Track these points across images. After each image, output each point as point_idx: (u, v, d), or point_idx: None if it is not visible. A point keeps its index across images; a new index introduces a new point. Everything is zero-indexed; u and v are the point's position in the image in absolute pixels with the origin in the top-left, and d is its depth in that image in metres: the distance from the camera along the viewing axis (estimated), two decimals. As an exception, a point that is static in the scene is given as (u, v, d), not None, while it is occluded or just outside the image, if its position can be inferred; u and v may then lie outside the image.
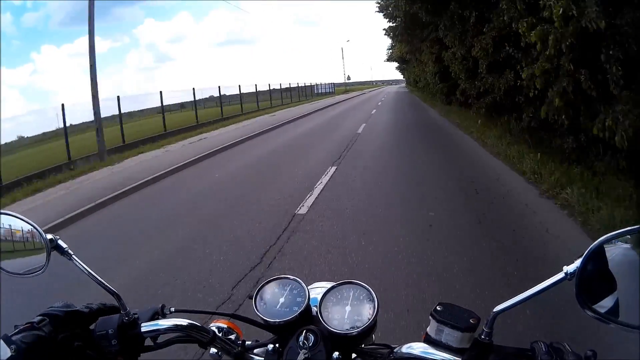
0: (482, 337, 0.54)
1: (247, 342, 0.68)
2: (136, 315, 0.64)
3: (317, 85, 45.28)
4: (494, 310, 0.53)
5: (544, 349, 0.51)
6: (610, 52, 3.88)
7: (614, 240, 0.50)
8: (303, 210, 4.49)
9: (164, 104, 16.51)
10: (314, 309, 0.67)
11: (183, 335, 0.64)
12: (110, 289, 0.63)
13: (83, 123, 13.84)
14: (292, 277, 0.71)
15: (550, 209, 4.06)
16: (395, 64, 55.58)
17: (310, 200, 4.81)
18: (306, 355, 0.59)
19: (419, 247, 3.22)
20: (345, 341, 0.62)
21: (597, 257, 0.50)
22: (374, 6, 17.08)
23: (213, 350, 0.66)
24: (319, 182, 5.65)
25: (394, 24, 18.91)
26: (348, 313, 0.64)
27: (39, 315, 0.59)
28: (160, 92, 15.55)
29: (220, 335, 0.67)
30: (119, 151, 11.42)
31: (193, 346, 0.66)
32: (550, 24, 4.67)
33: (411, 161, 6.77)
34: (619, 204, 3.66)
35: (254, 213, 4.55)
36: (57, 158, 10.31)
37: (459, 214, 4.00)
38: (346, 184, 5.56)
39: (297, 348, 0.60)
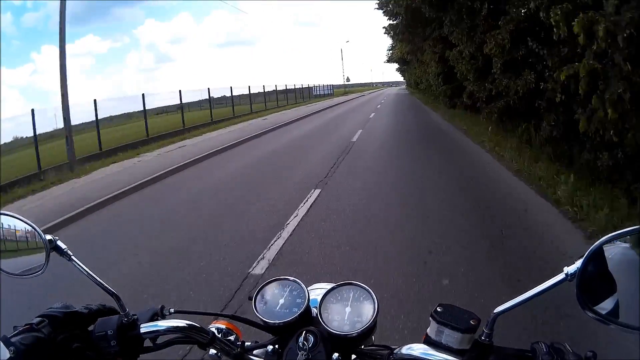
0: (483, 338, 0.54)
1: (247, 343, 0.68)
2: (135, 316, 0.64)
3: (315, 87, 44.06)
4: (495, 311, 0.53)
5: (544, 350, 0.51)
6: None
7: (615, 246, 0.49)
8: (259, 269, 3.13)
9: (159, 104, 15.66)
10: (314, 310, 0.67)
11: (182, 336, 0.64)
12: (110, 289, 0.63)
13: (77, 125, 13.13)
14: (291, 278, 0.71)
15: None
16: (396, 66, 54.65)
17: (273, 250, 3.48)
18: (306, 357, 0.59)
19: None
20: (345, 342, 0.62)
21: (597, 258, 0.50)
22: (374, 4, 15.98)
23: (212, 351, 0.66)
24: (294, 214, 4.36)
25: (395, 22, 17.83)
26: (348, 314, 0.64)
27: (38, 317, 0.58)
28: (143, 94, 14.55)
29: (219, 336, 0.66)
30: (95, 159, 10.70)
31: (192, 347, 0.68)
32: (596, 10, 3.57)
33: (413, 181, 5.55)
34: None
35: (195, 270, 3.26)
36: (31, 166, 9.53)
37: (484, 279, 2.71)
38: (328, 219, 4.19)
39: (297, 349, 0.60)
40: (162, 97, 17.77)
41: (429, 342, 0.57)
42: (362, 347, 0.65)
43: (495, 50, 6.73)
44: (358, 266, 3.06)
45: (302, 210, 4.56)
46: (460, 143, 8.78)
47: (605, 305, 0.50)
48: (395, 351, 0.60)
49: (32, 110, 10.18)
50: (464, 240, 3.38)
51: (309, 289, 0.71)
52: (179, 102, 17.52)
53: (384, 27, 20.16)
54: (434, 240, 3.39)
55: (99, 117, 14.70)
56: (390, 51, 43.63)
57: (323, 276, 2.84)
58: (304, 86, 37.05)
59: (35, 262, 0.64)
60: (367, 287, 0.67)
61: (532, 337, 0.64)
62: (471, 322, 0.55)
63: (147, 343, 0.64)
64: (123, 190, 6.47)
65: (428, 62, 17.38)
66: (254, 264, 3.23)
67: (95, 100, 12.88)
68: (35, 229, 0.64)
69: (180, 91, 16.71)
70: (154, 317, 0.65)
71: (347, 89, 64.30)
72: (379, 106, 24.04)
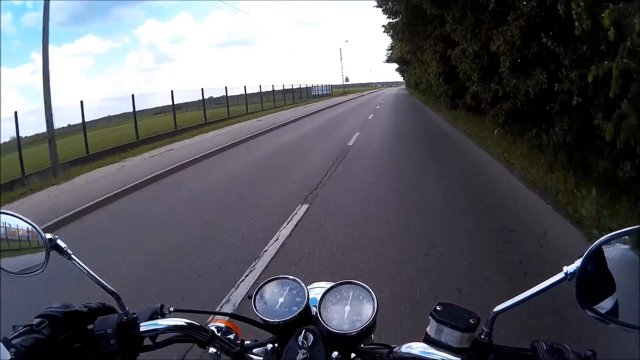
0: (482, 337, 0.54)
1: (246, 342, 0.68)
2: (135, 315, 0.64)
3: (313, 87, 43.51)
4: (494, 310, 0.53)
5: (545, 348, 0.51)
6: None
7: (613, 242, 0.50)
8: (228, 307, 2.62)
9: (158, 104, 15.20)
10: (314, 309, 0.67)
11: (182, 334, 0.64)
12: (109, 288, 0.63)
13: (75, 125, 13.54)
14: (291, 277, 0.71)
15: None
16: (395, 66, 54.17)
17: (243, 288, 2.85)
18: (305, 355, 0.59)
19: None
20: (344, 341, 0.62)
21: (597, 258, 0.50)
22: (373, 2, 15.44)
23: (212, 349, 0.66)
24: (274, 238, 3.70)
25: (394, 20, 17.30)
26: (347, 313, 0.64)
27: (38, 317, 0.58)
28: (132, 95, 14.05)
29: (219, 334, 0.66)
30: (81, 162, 10.39)
31: (192, 346, 0.69)
32: (628, 1, 3.05)
33: (415, 192, 4.97)
34: None
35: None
36: (17, 170, 9.24)
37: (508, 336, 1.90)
38: (315, 246, 3.49)
39: (297, 348, 0.60)
40: (161, 96, 17.50)
41: (428, 340, 0.57)
42: (362, 345, 0.65)
43: (504, 48, 6.20)
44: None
45: (284, 232, 3.88)
46: (465, 149, 8.06)
47: (605, 305, 0.49)
48: (394, 350, 0.59)
49: (15, 113, 9.92)
50: (479, 280, 2.69)
51: (308, 288, 0.70)
52: (176, 103, 17.21)
53: (383, 26, 19.68)
54: (445, 286, 2.65)
55: (97, 118, 14.45)
56: (390, 51, 43.18)
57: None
58: (302, 86, 36.52)
59: (35, 260, 0.64)
60: (366, 286, 0.67)
61: (531, 336, 0.62)
62: (471, 321, 0.55)
63: (147, 342, 0.64)
64: (97, 200, 5.97)
65: (429, 61, 16.82)
66: (220, 306, 2.65)
67: (82, 102, 12.41)
68: (35, 228, 0.64)
69: (172, 91, 16.20)
70: (153, 316, 0.65)
71: (346, 89, 63.75)
72: (377, 107, 23.26)
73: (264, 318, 0.66)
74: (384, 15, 15.95)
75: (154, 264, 3.50)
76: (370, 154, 8.02)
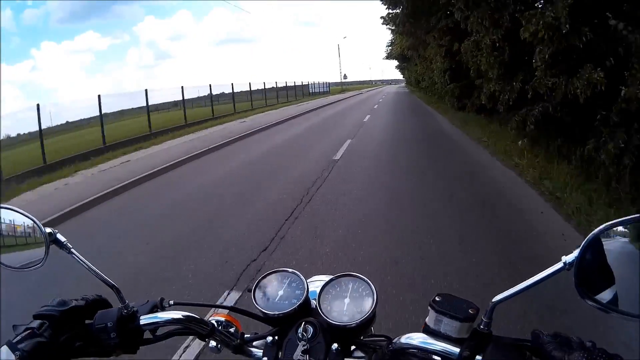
0: (481, 327, 0.53)
1: (246, 335, 0.68)
2: (135, 308, 0.64)
3: (310, 84, 41.77)
4: (493, 300, 0.53)
5: (547, 337, 0.51)
6: None
7: (612, 235, 0.50)
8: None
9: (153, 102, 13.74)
10: (313, 302, 0.68)
11: (182, 327, 0.64)
12: (109, 281, 0.63)
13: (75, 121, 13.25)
14: (290, 270, 0.71)
15: None
16: (395, 63, 52.67)
17: None
18: (305, 347, 0.59)
19: None
20: (344, 333, 0.62)
21: (596, 248, 0.50)
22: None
23: (212, 343, 0.66)
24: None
25: (394, 11, 15.68)
26: (347, 305, 0.65)
27: (36, 317, 0.58)
28: (99, 95, 12.42)
29: (219, 328, 0.66)
30: (36, 175, 8.88)
31: (193, 339, 0.67)
32: None
33: (421, 239, 3.35)
34: None
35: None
36: None
37: None
38: None
39: (296, 340, 0.60)
40: (161, 93, 17.18)
41: (427, 331, 0.57)
42: (362, 337, 0.65)
43: (544, 34, 4.64)
44: None
45: (233, 295, 2.75)
46: (487, 168, 6.06)
47: (604, 295, 0.50)
48: (394, 341, 0.59)
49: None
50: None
51: (308, 280, 0.71)
52: (174, 100, 16.86)
53: (382, 17, 18.04)
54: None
55: (92, 116, 13.41)
56: (390, 47, 41.66)
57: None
58: (296, 84, 34.77)
59: (35, 255, 0.64)
60: (366, 279, 0.67)
61: (530, 328, 0.54)
62: (470, 311, 0.55)
63: (147, 335, 0.65)
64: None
65: (432, 57, 15.27)
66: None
67: (38, 105, 10.83)
68: (35, 222, 0.64)
69: (146, 90, 14.56)
70: (153, 309, 0.65)
71: (344, 87, 62.04)
72: (376, 106, 21.56)
73: (263, 311, 0.66)
74: (383, 6, 14.40)
75: None
76: (360, 176, 5.97)
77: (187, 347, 2.06)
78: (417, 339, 0.57)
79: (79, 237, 4.25)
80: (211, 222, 4.36)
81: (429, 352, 0.56)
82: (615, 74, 4.16)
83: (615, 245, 0.49)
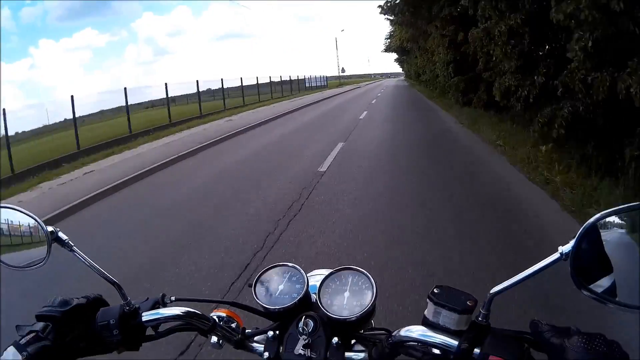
0: (480, 319, 0.54)
1: (247, 330, 0.68)
2: (137, 305, 0.64)
3: (307, 78, 40.43)
4: (491, 292, 0.53)
5: (546, 327, 0.50)
6: None
7: (609, 225, 0.49)
8: None
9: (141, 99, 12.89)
10: (313, 296, 0.67)
11: (184, 323, 0.64)
12: (111, 279, 0.63)
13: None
14: (290, 264, 0.71)
15: None
16: (394, 56, 51.46)
17: None
18: (306, 341, 0.59)
19: None
20: (344, 326, 0.62)
21: (592, 238, 0.49)
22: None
23: (214, 338, 0.66)
24: None
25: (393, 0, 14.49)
26: (347, 299, 0.64)
27: (38, 318, 0.59)
28: (72, 96, 11.34)
29: (220, 323, 0.67)
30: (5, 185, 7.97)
31: (194, 335, 0.69)
32: None
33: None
34: None
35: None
36: None
37: None
38: None
39: (297, 334, 0.61)
40: (149, 90, 16.73)
41: (426, 323, 0.57)
42: (362, 331, 0.65)
43: (588, 14, 3.57)
44: None
45: None
46: (511, 186, 4.79)
47: (602, 285, 0.49)
48: (393, 334, 0.59)
49: None
50: None
51: (308, 274, 0.71)
52: (167, 96, 15.68)
53: (379, 7, 16.81)
54: None
55: (87, 113, 13.64)
56: (388, 40, 40.44)
57: None
58: (292, 78, 33.46)
59: (37, 254, 0.64)
60: (365, 272, 0.67)
61: (530, 318, 0.54)
62: (468, 303, 0.55)
63: (149, 331, 0.65)
64: None
65: (434, 48, 14.13)
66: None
67: (4, 110, 9.83)
68: (37, 221, 0.64)
69: (125, 89, 13.52)
70: (155, 306, 0.65)
71: (342, 81, 60.68)
72: (374, 101, 20.32)
73: (264, 305, 0.66)
74: (381, -5, 13.23)
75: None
76: (350, 194, 4.75)
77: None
78: (416, 331, 0.57)
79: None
80: (136, 279, 3.06)
81: (428, 345, 0.56)
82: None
83: (612, 235, 0.49)
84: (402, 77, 74.78)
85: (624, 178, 4.01)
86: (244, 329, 0.67)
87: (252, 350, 0.66)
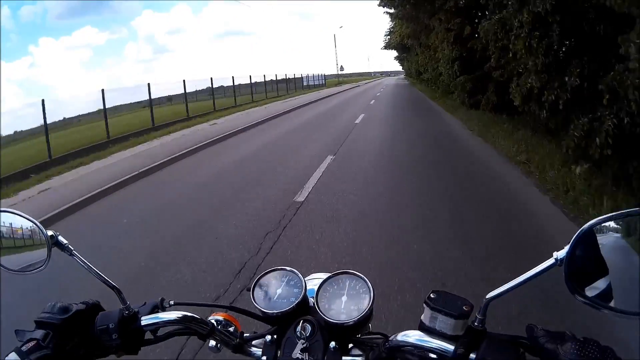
0: (476, 324, 0.54)
1: (246, 334, 0.68)
2: (136, 309, 0.64)
3: (305, 77, 39.17)
4: (487, 297, 0.53)
5: (541, 332, 0.51)
6: None
7: (605, 230, 0.49)
8: None
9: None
10: (311, 300, 0.68)
11: (182, 327, 0.64)
12: (111, 283, 0.64)
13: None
14: (288, 268, 0.71)
15: None
16: (394, 54, 50.36)
17: None
18: (304, 345, 0.60)
19: None
20: (341, 331, 0.63)
21: (588, 243, 0.49)
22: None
23: (212, 342, 0.66)
24: None
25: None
26: (344, 303, 0.65)
27: (38, 324, 0.59)
28: (42, 100, 10.38)
29: (218, 327, 0.67)
30: None
31: (192, 338, 0.66)
32: None
33: None
34: None
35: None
36: None
37: None
38: None
39: (295, 338, 0.61)
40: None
41: (423, 328, 0.57)
42: (359, 335, 0.66)
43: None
44: None
45: None
46: (550, 230, 3.45)
47: (597, 291, 0.49)
48: (390, 338, 0.59)
49: None
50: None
51: (306, 279, 0.71)
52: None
53: (379, -1, 15.64)
54: None
55: (85, 113, 13.81)
56: (388, 36, 39.33)
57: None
58: (288, 77, 32.27)
59: (37, 257, 0.64)
60: (363, 276, 0.67)
61: (526, 323, 0.54)
62: (464, 308, 0.55)
63: (148, 335, 0.65)
64: None
65: (437, 44, 12.96)
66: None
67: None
68: (37, 225, 0.64)
69: (103, 90, 12.48)
70: (154, 310, 0.65)
71: (340, 79, 59.42)
72: (372, 102, 18.92)
73: (262, 310, 0.66)
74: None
75: None
76: (333, 248, 3.34)
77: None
78: (413, 336, 0.57)
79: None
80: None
81: (425, 350, 0.56)
82: None
83: (607, 240, 0.49)
84: (402, 76, 73.67)
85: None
86: (242, 333, 0.68)
87: (250, 354, 0.67)
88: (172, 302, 0.66)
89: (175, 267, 3.25)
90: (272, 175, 5.98)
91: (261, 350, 0.64)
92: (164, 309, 0.65)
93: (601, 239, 0.48)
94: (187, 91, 17.02)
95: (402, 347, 0.57)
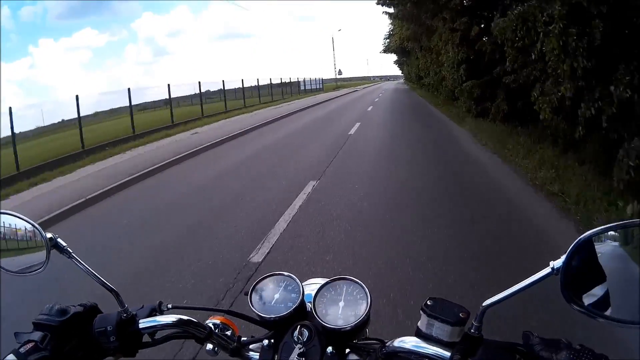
0: (472, 331, 0.54)
1: (243, 338, 0.68)
2: (134, 312, 0.65)
3: (301, 81, 38.09)
4: (483, 304, 0.53)
5: (537, 339, 0.51)
6: None
7: (603, 239, 0.49)
8: None
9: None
10: (308, 305, 0.68)
11: (180, 331, 0.65)
12: (109, 286, 0.64)
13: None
14: (286, 273, 0.71)
15: None
16: (394, 58, 49.57)
17: None
18: (301, 350, 0.60)
19: None
20: (338, 336, 0.63)
21: (585, 253, 0.49)
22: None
23: (209, 346, 0.66)
24: None
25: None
26: (342, 308, 0.65)
27: (36, 326, 0.59)
28: (10, 108, 9.71)
29: (216, 331, 0.67)
30: None
31: (189, 342, 0.66)
32: None
33: None
34: None
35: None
36: None
37: None
38: None
39: (292, 343, 0.61)
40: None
41: (420, 334, 0.57)
42: (356, 340, 0.66)
43: None
44: None
45: None
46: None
47: (592, 300, 0.49)
48: (387, 344, 0.60)
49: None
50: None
51: (303, 284, 0.71)
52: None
53: (377, -3, 14.62)
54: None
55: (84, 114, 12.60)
56: (387, 40, 38.48)
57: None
58: (285, 81, 31.24)
59: (36, 259, 0.64)
60: (360, 282, 0.67)
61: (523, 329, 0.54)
62: (460, 315, 0.55)
63: (146, 338, 0.65)
64: None
65: (441, 46, 11.91)
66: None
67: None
68: (36, 227, 0.64)
69: (77, 97, 11.55)
70: (152, 313, 0.65)
71: (338, 83, 58.40)
72: (370, 108, 17.33)
73: (260, 314, 0.66)
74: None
75: None
76: None
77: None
78: (409, 342, 0.58)
79: None
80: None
81: (421, 356, 0.56)
82: None
83: (605, 249, 0.49)
84: (402, 80, 72.83)
85: None
86: (240, 337, 0.68)
87: (248, 358, 0.66)
88: (170, 306, 0.66)
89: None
90: (234, 214, 4.46)
91: (258, 354, 0.64)
92: (161, 312, 0.66)
93: (599, 248, 0.48)
94: (182, 95, 16.24)
95: (399, 352, 0.58)
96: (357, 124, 11.39)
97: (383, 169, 6.18)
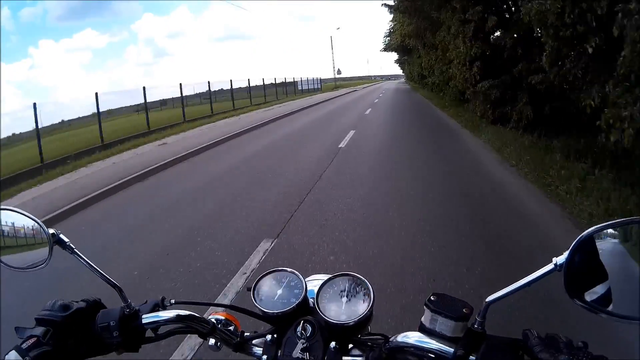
0: (475, 326, 0.54)
1: (246, 333, 0.68)
2: (137, 307, 0.65)
3: (299, 81, 36.52)
4: (487, 300, 0.54)
5: (536, 336, 0.51)
6: None
7: (603, 237, 0.50)
8: None
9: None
10: (311, 301, 0.68)
11: (183, 326, 0.65)
12: (112, 281, 0.64)
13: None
14: (289, 269, 0.72)
15: None
16: (395, 56, 48.09)
17: None
18: (304, 345, 0.60)
19: None
20: (341, 331, 0.63)
21: (587, 249, 0.49)
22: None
23: (212, 341, 0.67)
24: None
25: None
26: (344, 304, 0.65)
27: (38, 322, 0.59)
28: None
29: (219, 326, 0.67)
30: None
31: (192, 337, 0.64)
32: None
33: None
34: None
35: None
36: None
37: None
38: None
39: (295, 338, 0.61)
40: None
41: (423, 330, 0.57)
42: (359, 335, 0.66)
43: None
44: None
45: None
46: None
47: (596, 296, 0.49)
48: (390, 339, 0.60)
49: None
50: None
51: (306, 280, 0.71)
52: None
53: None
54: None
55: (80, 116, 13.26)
56: (388, 37, 37.05)
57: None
58: (280, 81, 29.69)
59: (39, 255, 0.64)
60: (363, 278, 0.67)
61: (526, 325, 0.54)
62: (464, 310, 0.55)
63: (149, 333, 0.65)
64: None
65: (449, 41, 10.31)
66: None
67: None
68: (38, 223, 0.64)
69: (35, 104, 10.21)
70: (155, 308, 0.65)
71: (337, 83, 56.83)
72: (368, 111, 15.52)
73: (263, 310, 0.66)
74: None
75: None
76: None
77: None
78: (412, 337, 0.58)
79: None
80: None
81: (425, 351, 0.56)
82: None
83: (606, 246, 0.49)
84: (403, 80, 71.33)
85: None
86: (243, 332, 0.68)
87: (251, 353, 0.67)
88: (172, 301, 0.66)
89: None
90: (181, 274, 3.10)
91: (261, 349, 0.64)
92: (164, 308, 0.65)
93: (600, 245, 0.49)
94: (170, 97, 15.23)
95: (402, 348, 0.58)
96: (352, 132, 9.51)
97: (379, 209, 4.15)
